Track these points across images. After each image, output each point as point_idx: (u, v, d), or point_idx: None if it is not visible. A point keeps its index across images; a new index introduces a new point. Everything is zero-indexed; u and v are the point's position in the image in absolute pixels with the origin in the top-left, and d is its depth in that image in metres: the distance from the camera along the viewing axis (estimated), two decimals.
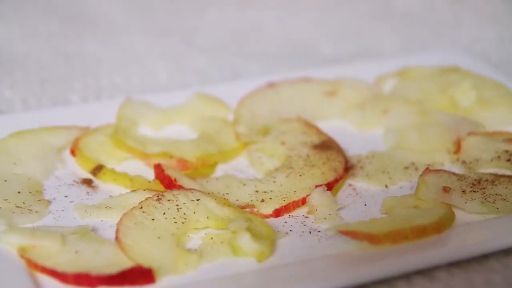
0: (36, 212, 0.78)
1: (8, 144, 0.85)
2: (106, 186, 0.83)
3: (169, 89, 1.03)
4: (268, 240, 0.74)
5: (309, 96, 0.95)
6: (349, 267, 0.72)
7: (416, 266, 0.72)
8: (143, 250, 0.72)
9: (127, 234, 0.73)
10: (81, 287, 0.70)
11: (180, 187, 0.80)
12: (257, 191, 0.81)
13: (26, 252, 0.72)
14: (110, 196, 0.81)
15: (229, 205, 0.78)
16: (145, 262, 0.71)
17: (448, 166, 0.86)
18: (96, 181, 0.83)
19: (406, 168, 0.85)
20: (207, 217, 0.76)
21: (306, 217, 0.79)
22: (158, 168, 0.82)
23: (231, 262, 0.73)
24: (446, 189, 0.79)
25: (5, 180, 0.81)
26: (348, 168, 0.85)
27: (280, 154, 0.86)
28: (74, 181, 0.83)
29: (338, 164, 0.84)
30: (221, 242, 0.74)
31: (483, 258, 0.74)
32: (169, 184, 0.80)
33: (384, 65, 1.01)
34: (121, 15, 1.19)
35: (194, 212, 0.76)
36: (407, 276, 0.72)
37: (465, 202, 0.79)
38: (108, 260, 0.71)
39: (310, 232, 0.77)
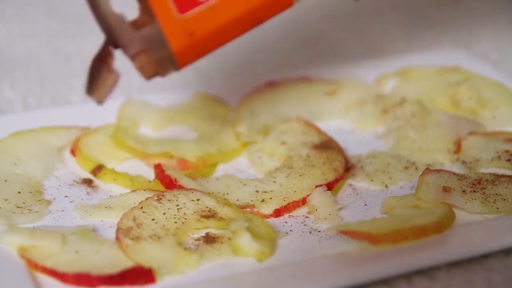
0: (36, 212, 0.78)
1: (8, 144, 0.85)
2: (106, 186, 0.83)
3: (169, 89, 1.03)
4: (268, 240, 0.74)
5: (309, 96, 0.95)
6: (349, 267, 0.72)
7: (416, 266, 0.72)
8: (144, 250, 0.72)
9: (127, 234, 0.73)
10: (81, 287, 0.70)
11: (180, 187, 0.80)
12: (257, 191, 0.81)
13: (26, 252, 0.72)
14: (110, 196, 0.81)
15: (229, 205, 0.78)
16: (146, 262, 0.71)
17: (448, 166, 0.86)
18: (96, 181, 0.83)
19: (406, 168, 0.85)
20: (207, 217, 0.76)
21: (307, 217, 0.79)
22: (158, 168, 0.82)
23: (231, 262, 0.73)
24: (446, 189, 0.79)
25: (5, 180, 0.81)
26: (348, 168, 0.85)
27: (280, 154, 0.86)
28: (74, 181, 0.84)
29: (338, 164, 0.84)
30: (221, 242, 0.74)
31: (483, 258, 0.74)
32: (169, 184, 0.80)
33: (385, 65, 1.01)
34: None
35: (194, 212, 0.76)
36: (407, 276, 0.72)
37: (465, 202, 0.79)
38: (108, 260, 0.71)
39: (310, 232, 0.77)
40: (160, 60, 0.70)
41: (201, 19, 0.69)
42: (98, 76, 0.71)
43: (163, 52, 0.70)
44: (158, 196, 0.77)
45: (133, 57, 0.70)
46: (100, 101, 0.71)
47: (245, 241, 0.73)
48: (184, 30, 0.69)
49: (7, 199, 0.79)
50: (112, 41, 0.70)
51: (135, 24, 0.70)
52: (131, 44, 0.69)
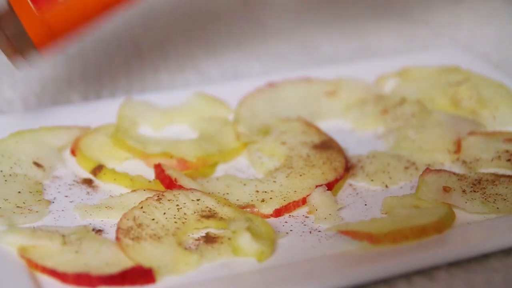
0: (36, 212, 0.78)
1: (8, 144, 0.85)
2: (106, 186, 0.83)
3: (169, 89, 1.03)
4: (268, 240, 0.74)
5: (309, 96, 0.95)
6: (349, 267, 0.72)
7: (416, 266, 0.72)
8: (144, 250, 0.72)
9: (127, 234, 0.73)
10: (81, 287, 0.70)
11: (181, 187, 0.80)
12: (257, 191, 0.81)
13: (26, 252, 0.72)
14: (110, 196, 0.81)
15: (229, 205, 0.78)
16: (146, 262, 0.71)
17: (448, 166, 0.86)
18: (96, 181, 0.83)
19: (406, 168, 0.85)
20: (207, 217, 0.76)
21: (307, 217, 0.79)
22: (159, 168, 0.82)
23: (231, 262, 0.73)
24: (446, 189, 0.79)
25: (5, 180, 0.81)
26: (348, 168, 0.85)
27: (280, 154, 0.86)
28: (74, 181, 0.84)
29: (338, 164, 0.84)
30: (221, 242, 0.74)
31: (483, 258, 0.74)
32: (169, 184, 0.80)
33: (384, 65, 1.01)
34: (121, 15, 1.19)
35: (194, 212, 0.76)
36: (407, 276, 0.72)
37: (466, 202, 0.79)
38: (108, 260, 0.71)
39: (310, 232, 0.77)
40: (24, 49, 0.82)
41: (56, 14, 0.80)
42: None
43: (27, 44, 0.81)
44: (158, 196, 0.77)
45: (2, 51, 0.82)
46: None
47: (245, 241, 0.73)
48: (42, 24, 0.80)
49: (7, 199, 0.79)
50: None
51: (0, 19, 0.81)
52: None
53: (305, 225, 0.78)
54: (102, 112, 0.91)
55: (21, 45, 0.81)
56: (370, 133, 0.92)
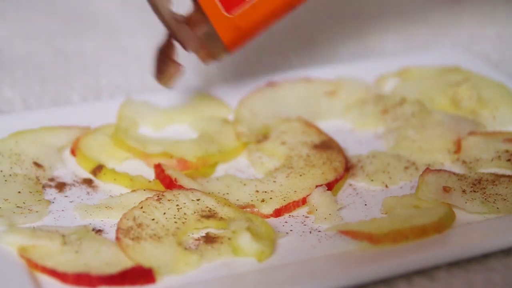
0: (36, 212, 0.78)
1: (8, 144, 0.85)
2: (106, 186, 0.83)
3: (169, 89, 1.02)
4: (268, 240, 0.74)
5: (309, 96, 0.95)
6: (349, 267, 0.72)
7: (417, 266, 0.72)
8: (144, 250, 0.72)
9: (127, 234, 0.73)
10: (81, 287, 0.70)
11: (181, 187, 0.80)
12: (257, 191, 0.81)
13: (26, 252, 0.72)
14: (110, 196, 0.81)
15: (229, 205, 0.78)
16: (146, 262, 0.71)
17: (448, 166, 0.86)
18: (96, 181, 0.83)
19: (406, 168, 0.85)
20: (207, 217, 0.76)
21: (307, 217, 0.79)
22: (159, 168, 0.82)
23: (231, 262, 0.73)
24: (446, 189, 0.79)
25: (5, 180, 0.81)
26: (348, 168, 0.85)
27: (281, 154, 0.86)
28: (74, 181, 0.84)
29: (338, 164, 0.84)
30: (221, 242, 0.74)
31: (483, 258, 0.74)
32: (169, 184, 0.80)
33: (384, 65, 1.01)
34: (121, 15, 1.19)
35: (194, 212, 0.76)
36: (407, 276, 0.72)
37: (466, 202, 0.79)
38: (108, 260, 0.71)
39: (310, 232, 0.77)
40: (215, 51, 0.86)
41: (245, 15, 0.83)
42: (163, 65, 0.86)
43: (217, 46, 0.85)
44: (158, 196, 0.77)
45: (193, 52, 0.85)
46: (166, 86, 0.86)
47: (245, 241, 0.73)
48: (233, 26, 0.83)
49: (7, 199, 0.79)
50: (173, 37, 0.84)
51: (190, 21, 0.84)
52: (190, 42, 0.84)
53: (305, 225, 0.78)
54: (102, 112, 0.91)
55: (211, 46, 0.85)
56: (370, 133, 0.92)
